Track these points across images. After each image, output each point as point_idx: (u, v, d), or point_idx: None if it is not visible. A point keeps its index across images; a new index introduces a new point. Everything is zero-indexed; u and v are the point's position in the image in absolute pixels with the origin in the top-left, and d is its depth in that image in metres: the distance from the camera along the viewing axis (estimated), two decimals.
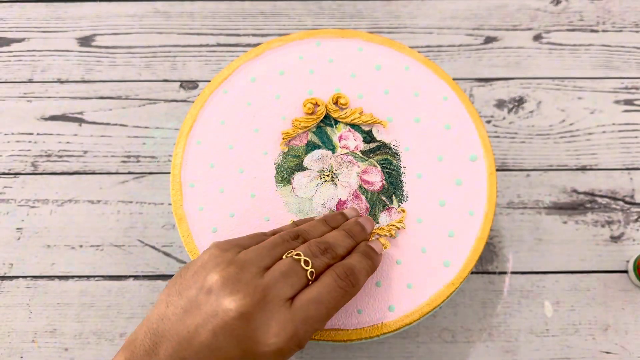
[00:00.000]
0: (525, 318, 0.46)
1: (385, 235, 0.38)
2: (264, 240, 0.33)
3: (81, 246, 0.48)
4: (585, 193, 0.50)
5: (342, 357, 0.45)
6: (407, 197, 0.39)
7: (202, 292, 0.29)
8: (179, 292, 0.30)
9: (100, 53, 0.55)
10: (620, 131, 0.52)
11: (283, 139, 0.40)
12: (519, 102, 0.53)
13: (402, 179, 0.39)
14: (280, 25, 0.57)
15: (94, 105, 0.53)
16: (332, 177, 0.39)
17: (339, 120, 0.41)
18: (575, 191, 0.50)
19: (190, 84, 0.54)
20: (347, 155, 0.40)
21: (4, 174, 0.51)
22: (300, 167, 0.40)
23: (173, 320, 0.29)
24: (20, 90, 0.54)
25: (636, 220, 0.49)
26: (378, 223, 0.38)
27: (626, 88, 0.54)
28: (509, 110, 0.53)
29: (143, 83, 0.54)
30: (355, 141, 0.40)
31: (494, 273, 0.47)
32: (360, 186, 0.39)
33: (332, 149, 0.40)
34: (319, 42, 0.43)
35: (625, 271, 0.47)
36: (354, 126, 0.41)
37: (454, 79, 0.43)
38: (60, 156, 0.51)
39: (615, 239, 0.48)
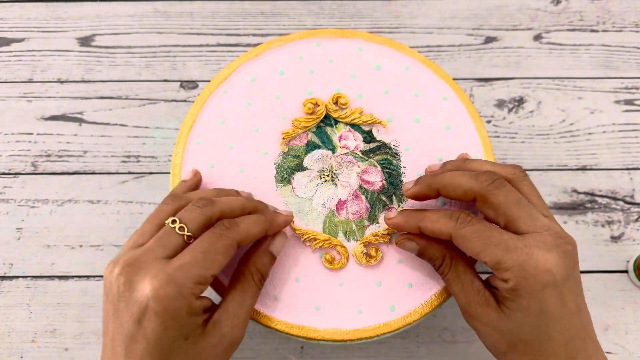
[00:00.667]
0: None
1: (381, 242, 0.38)
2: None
3: (81, 246, 0.48)
4: (585, 193, 0.50)
5: (342, 357, 0.45)
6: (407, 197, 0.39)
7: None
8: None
9: (100, 53, 0.55)
10: (620, 131, 0.52)
11: (283, 139, 0.40)
12: (519, 102, 0.53)
13: (402, 179, 0.39)
14: (280, 25, 0.57)
15: (94, 105, 0.53)
16: (332, 177, 0.39)
17: (339, 120, 0.41)
18: (575, 191, 0.50)
19: (190, 84, 0.54)
20: (347, 155, 0.40)
21: (4, 174, 0.51)
22: (300, 167, 0.40)
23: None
24: (20, 90, 0.54)
25: (636, 220, 0.49)
26: (378, 223, 0.38)
27: (626, 88, 0.54)
28: (509, 110, 0.53)
29: (143, 83, 0.54)
30: (355, 141, 0.40)
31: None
32: (360, 186, 0.39)
33: (332, 149, 0.40)
34: (319, 42, 0.43)
35: (625, 271, 0.47)
36: (354, 126, 0.41)
37: (454, 79, 0.43)
38: (60, 156, 0.51)
39: (615, 239, 0.48)
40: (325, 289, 0.37)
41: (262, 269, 0.34)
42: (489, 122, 0.52)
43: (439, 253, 0.34)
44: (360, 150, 0.40)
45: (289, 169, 0.40)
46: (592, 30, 0.56)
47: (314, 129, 0.41)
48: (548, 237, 0.31)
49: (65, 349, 0.45)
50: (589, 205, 0.49)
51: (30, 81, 0.54)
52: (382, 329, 0.36)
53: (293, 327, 0.36)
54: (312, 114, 0.41)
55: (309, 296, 0.37)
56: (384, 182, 0.39)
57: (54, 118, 0.53)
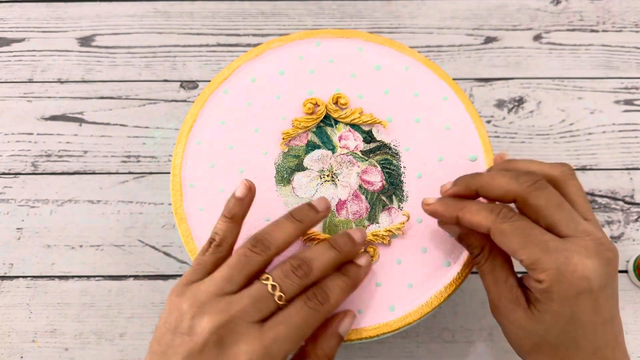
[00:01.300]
0: None
1: (380, 243, 0.38)
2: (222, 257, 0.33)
3: (81, 246, 0.48)
4: (585, 193, 0.50)
5: (342, 357, 0.45)
6: (407, 197, 0.39)
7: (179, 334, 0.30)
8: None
9: (100, 53, 0.55)
10: (620, 131, 0.52)
11: (283, 139, 0.40)
12: (519, 102, 0.53)
13: (402, 179, 0.39)
14: (280, 25, 0.57)
15: (94, 105, 0.53)
16: (332, 177, 0.39)
17: (339, 120, 0.41)
18: None
19: (190, 84, 0.54)
20: (347, 155, 0.40)
21: (4, 174, 0.51)
22: (301, 167, 0.40)
23: None
24: (20, 90, 0.54)
25: (636, 220, 0.49)
26: (378, 223, 0.38)
27: (626, 88, 0.54)
28: (509, 110, 0.53)
29: (143, 83, 0.54)
30: (355, 141, 0.40)
31: None
32: (360, 186, 0.39)
33: (332, 149, 0.40)
34: (319, 42, 0.43)
35: (625, 271, 0.47)
36: (354, 126, 0.41)
37: (454, 79, 0.43)
38: (61, 156, 0.51)
39: (615, 239, 0.48)
40: None
41: (330, 353, 0.33)
42: (489, 122, 0.52)
43: (478, 242, 0.34)
44: (360, 150, 0.40)
45: (289, 169, 0.40)
46: (592, 30, 0.56)
47: (314, 129, 0.41)
48: (590, 243, 0.30)
49: (65, 349, 0.45)
50: None
51: (30, 81, 0.54)
52: (382, 329, 0.36)
53: None
54: (312, 114, 0.41)
55: None
56: (384, 182, 0.39)
57: (54, 118, 0.53)
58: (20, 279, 0.47)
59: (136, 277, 0.47)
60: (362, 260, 0.35)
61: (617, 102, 0.53)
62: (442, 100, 0.41)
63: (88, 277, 0.47)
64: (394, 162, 0.40)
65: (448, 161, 0.40)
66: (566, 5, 0.57)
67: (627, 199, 0.50)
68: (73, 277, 0.47)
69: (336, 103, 0.41)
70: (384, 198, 0.39)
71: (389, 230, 0.38)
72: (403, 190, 0.39)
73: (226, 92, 0.42)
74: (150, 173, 0.51)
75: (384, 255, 0.37)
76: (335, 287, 0.32)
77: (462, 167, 0.39)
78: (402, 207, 0.39)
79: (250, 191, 0.34)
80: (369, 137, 0.40)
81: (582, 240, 0.30)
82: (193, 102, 0.51)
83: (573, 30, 0.56)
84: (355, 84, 0.42)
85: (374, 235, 0.38)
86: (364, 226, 0.38)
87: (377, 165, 0.40)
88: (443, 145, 0.40)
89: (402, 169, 0.40)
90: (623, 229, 0.49)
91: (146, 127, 0.52)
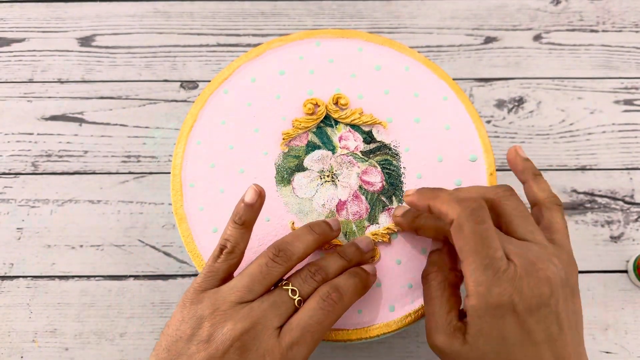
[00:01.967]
0: None
1: (380, 241, 0.38)
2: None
3: (81, 246, 0.48)
4: (585, 193, 0.50)
5: (342, 356, 0.45)
6: None
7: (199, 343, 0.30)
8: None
9: (100, 53, 0.55)
10: (620, 131, 0.52)
11: (283, 139, 0.40)
12: (519, 102, 0.53)
13: (402, 179, 0.39)
14: (280, 25, 0.57)
15: (94, 105, 0.53)
16: (332, 177, 0.39)
17: (339, 120, 0.41)
18: (575, 191, 0.50)
19: (190, 84, 0.54)
20: (347, 156, 0.40)
21: (4, 174, 0.51)
22: (301, 168, 0.40)
23: None
24: (20, 90, 0.54)
25: (636, 220, 0.49)
26: (378, 224, 0.38)
27: (626, 88, 0.54)
28: (509, 110, 0.53)
29: (143, 83, 0.54)
30: (355, 142, 0.40)
31: None
32: (360, 187, 0.39)
33: (332, 149, 0.40)
34: (319, 42, 0.43)
35: (625, 271, 0.47)
36: (354, 126, 0.41)
37: (454, 79, 0.43)
38: (61, 156, 0.51)
39: (615, 239, 0.48)
40: None
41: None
42: (488, 122, 0.52)
43: (438, 258, 0.34)
44: (360, 151, 0.40)
45: (289, 169, 0.40)
46: (592, 31, 0.56)
47: (314, 130, 0.41)
48: (521, 269, 0.29)
49: (65, 349, 0.45)
50: (588, 205, 0.50)
51: (30, 81, 0.54)
52: (382, 329, 0.36)
53: None
54: (312, 114, 0.41)
55: None
56: (384, 182, 0.39)
57: (54, 118, 0.53)
58: (21, 279, 0.47)
59: (136, 277, 0.47)
60: (369, 268, 0.35)
61: (617, 102, 0.53)
62: (442, 100, 0.41)
63: (88, 277, 0.47)
64: (394, 162, 0.40)
65: (448, 161, 0.40)
66: (566, 6, 0.57)
67: (627, 199, 0.50)
68: (73, 277, 0.47)
69: (336, 103, 0.41)
70: (383, 199, 0.39)
71: (389, 228, 0.38)
72: (403, 191, 0.39)
73: (226, 92, 0.42)
74: (151, 173, 0.51)
75: (384, 255, 0.37)
76: (349, 288, 0.33)
77: (462, 167, 0.39)
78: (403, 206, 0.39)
79: (260, 196, 0.34)
80: (369, 137, 0.41)
81: (516, 267, 0.29)
82: (193, 102, 0.51)
83: (573, 30, 0.56)
84: (356, 84, 0.42)
85: (374, 235, 0.38)
86: (364, 227, 0.38)
87: (377, 165, 0.40)
88: (443, 146, 0.40)
89: (402, 170, 0.40)
90: (623, 229, 0.49)
91: (146, 127, 0.52)
